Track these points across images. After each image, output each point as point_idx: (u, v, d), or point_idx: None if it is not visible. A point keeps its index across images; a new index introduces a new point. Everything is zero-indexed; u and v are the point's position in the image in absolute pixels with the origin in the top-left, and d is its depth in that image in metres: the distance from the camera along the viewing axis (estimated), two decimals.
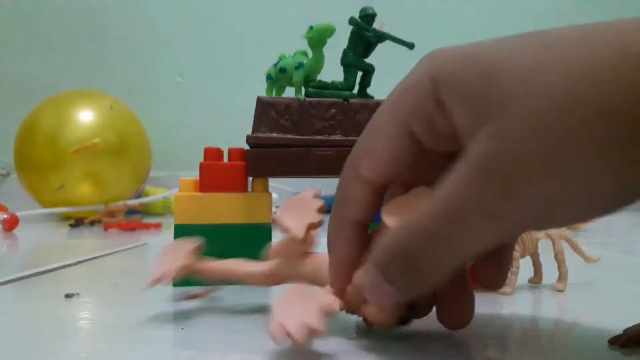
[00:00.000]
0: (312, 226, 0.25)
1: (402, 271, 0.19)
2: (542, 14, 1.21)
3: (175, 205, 0.36)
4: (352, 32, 0.38)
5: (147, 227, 0.76)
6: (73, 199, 0.87)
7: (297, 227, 0.24)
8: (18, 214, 0.74)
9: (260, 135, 0.37)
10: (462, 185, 0.17)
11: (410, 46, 0.38)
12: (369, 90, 0.39)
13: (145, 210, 0.98)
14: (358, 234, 0.22)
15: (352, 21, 0.38)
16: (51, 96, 0.94)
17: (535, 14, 1.22)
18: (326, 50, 0.38)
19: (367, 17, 0.37)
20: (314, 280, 0.25)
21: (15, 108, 1.01)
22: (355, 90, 0.39)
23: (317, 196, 0.26)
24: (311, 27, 0.37)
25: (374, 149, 0.21)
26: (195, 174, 0.37)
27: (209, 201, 0.36)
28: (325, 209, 0.25)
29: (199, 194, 0.36)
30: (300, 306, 0.21)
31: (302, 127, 0.37)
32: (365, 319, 0.24)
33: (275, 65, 0.39)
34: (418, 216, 0.18)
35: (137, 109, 1.01)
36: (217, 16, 1.22)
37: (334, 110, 0.37)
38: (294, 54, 0.38)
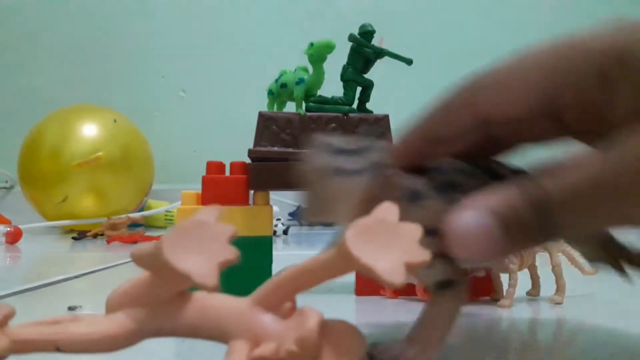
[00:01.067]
0: (225, 265, 0.17)
1: (532, 232, 0.16)
2: (541, 30, 1.23)
3: (178, 219, 0.37)
4: (352, 49, 0.39)
5: (150, 239, 0.76)
6: (76, 212, 0.88)
7: (203, 270, 0.16)
8: (21, 226, 0.75)
9: (262, 149, 0.37)
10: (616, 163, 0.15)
11: (409, 62, 0.39)
12: (368, 105, 0.40)
13: (147, 223, 0.98)
14: (425, 156, 0.20)
15: (351, 38, 0.38)
16: (55, 110, 0.95)
17: (535, 29, 1.23)
18: (326, 66, 0.39)
19: (366, 33, 0.38)
20: (207, 332, 0.17)
21: (20, 122, 1.02)
22: (355, 105, 0.39)
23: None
24: (311, 44, 0.38)
25: (504, 81, 0.18)
26: (197, 188, 0.38)
27: None
28: (237, 235, 0.18)
29: (201, 207, 0.37)
30: (386, 242, 0.16)
31: (303, 141, 0.37)
32: None
33: (276, 80, 0.40)
34: (582, 173, 0.16)
35: (141, 123, 1.02)
36: (220, 33, 1.24)
37: (334, 125, 0.38)
38: (295, 70, 0.39)
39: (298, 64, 0.40)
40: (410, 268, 0.16)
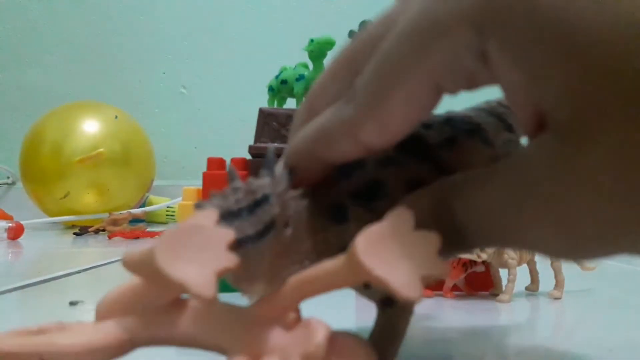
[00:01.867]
0: (223, 273, 0.15)
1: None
2: None
3: (179, 215, 0.37)
4: None
5: (151, 235, 0.77)
6: (77, 208, 0.88)
7: (199, 279, 0.14)
8: (23, 222, 0.75)
9: (262, 145, 0.37)
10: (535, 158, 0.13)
11: None
12: None
13: (148, 219, 0.98)
14: (328, 169, 0.17)
15: (351, 34, 0.38)
16: (57, 107, 0.95)
17: None
18: (326, 62, 0.39)
19: None
20: (203, 343, 0.16)
21: (21, 118, 1.03)
22: None
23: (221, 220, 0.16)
24: (312, 40, 0.38)
25: (384, 111, 0.15)
26: (198, 184, 0.38)
27: None
28: (240, 242, 0.15)
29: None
30: (401, 252, 0.15)
31: None
32: None
33: (276, 77, 0.40)
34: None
35: (141, 119, 1.02)
36: (221, 29, 1.24)
37: None
38: (295, 66, 0.39)
39: (298, 60, 0.40)
40: (428, 281, 0.14)
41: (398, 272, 0.14)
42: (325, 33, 0.38)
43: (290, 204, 0.16)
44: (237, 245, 0.15)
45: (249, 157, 0.38)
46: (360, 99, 0.15)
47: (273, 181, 0.16)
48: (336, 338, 0.16)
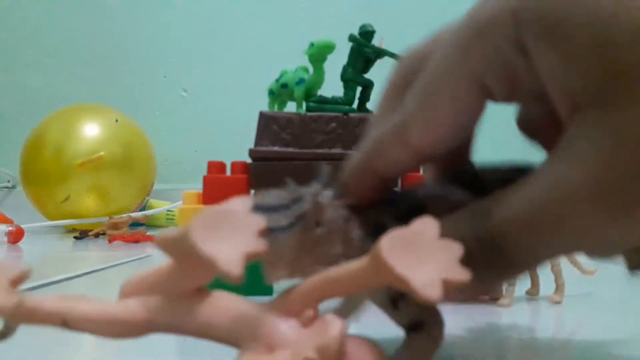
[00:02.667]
0: (252, 256, 0.16)
1: (484, 266, 0.15)
2: None
3: (179, 218, 0.37)
4: (352, 49, 0.39)
5: (151, 239, 0.77)
6: (78, 212, 0.88)
7: (229, 258, 0.15)
8: (23, 226, 0.75)
9: (263, 148, 0.37)
10: (579, 165, 0.13)
11: None
12: (368, 105, 0.40)
13: (149, 223, 0.98)
14: (380, 187, 0.18)
15: (351, 38, 0.38)
16: (57, 110, 0.95)
17: None
18: (326, 66, 0.39)
19: (367, 34, 0.38)
20: (221, 335, 0.16)
21: (22, 121, 1.03)
22: (355, 105, 0.40)
23: (256, 208, 0.17)
24: (312, 44, 0.38)
25: (432, 111, 0.16)
26: (198, 187, 0.38)
27: None
28: (271, 230, 0.16)
29: (202, 206, 0.37)
30: (424, 256, 0.15)
31: (303, 140, 0.38)
32: None
33: (277, 80, 0.40)
34: (516, 203, 0.14)
35: (142, 122, 1.02)
36: (221, 32, 1.24)
37: (334, 124, 0.38)
38: (295, 70, 0.39)
39: (299, 64, 0.40)
40: (448, 286, 0.14)
41: (419, 273, 0.14)
42: (326, 36, 0.38)
43: (328, 209, 0.17)
44: (268, 232, 0.16)
45: (249, 160, 0.38)
46: (409, 105, 0.16)
47: (314, 186, 0.17)
48: (348, 340, 0.16)
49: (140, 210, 0.97)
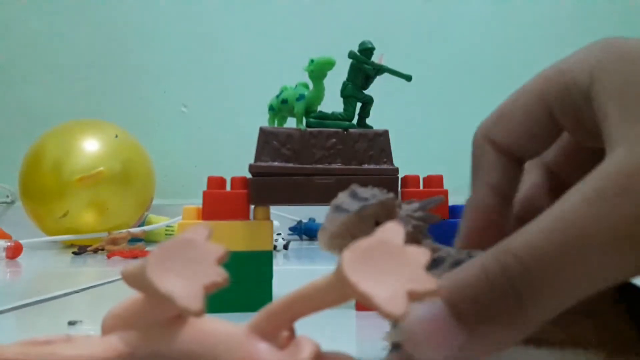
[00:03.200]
0: (211, 288, 0.15)
1: (493, 313, 0.14)
2: (542, 48, 1.24)
3: (178, 234, 0.37)
4: (352, 65, 0.39)
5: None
6: (76, 227, 0.88)
7: (186, 293, 0.15)
8: (22, 241, 0.75)
9: (263, 164, 0.37)
10: (592, 204, 0.14)
11: (408, 78, 0.40)
12: (368, 121, 0.40)
13: (147, 238, 0.98)
14: (495, 203, 0.20)
15: (351, 55, 0.39)
16: (57, 125, 0.96)
17: (536, 46, 1.24)
18: (326, 82, 0.39)
19: (366, 50, 0.39)
20: (199, 358, 0.17)
21: (21, 136, 1.03)
22: (355, 121, 0.40)
23: (211, 236, 0.17)
24: (312, 60, 0.38)
25: (508, 112, 0.19)
26: (198, 202, 0.38)
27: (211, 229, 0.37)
28: (228, 257, 0.17)
29: (202, 222, 0.37)
30: (389, 267, 0.15)
31: (303, 156, 0.38)
32: None
33: (277, 96, 0.40)
34: (528, 240, 0.14)
35: (142, 138, 1.03)
36: (222, 49, 1.25)
37: (334, 140, 0.38)
38: (295, 86, 0.40)
39: (299, 80, 0.40)
40: (414, 297, 0.14)
41: (383, 287, 0.14)
42: (326, 53, 0.38)
43: (383, 216, 0.19)
44: (337, 209, 0.19)
45: (249, 176, 0.39)
46: (495, 110, 0.20)
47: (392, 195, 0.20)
48: (326, 357, 0.16)
49: (140, 226, 0.96)
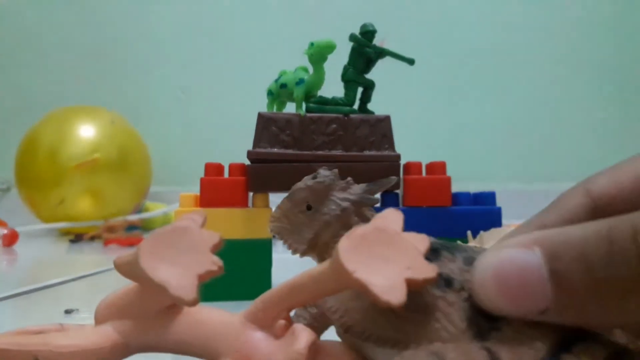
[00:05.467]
0: (205, 277, 0.15)
1: (604, 280, 0.12)
2: (543, 30, 1.23)
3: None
4: (353, 49, 0.38)
5: None
6: (73, 215, 0.87)
7: (181, 283, 0.15)
8: (18, 229, 0.74)
9: (261, 150, 0.37)
10: None
11: (411, 62, 0.39)
12: (370, 106, 0.40)
13: (145, 226, 0.97)
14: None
15: (352, 38, 0.38)
16: (52, 111, 0.94)
17: (538, 29, 1.23)
18: (327, 66, 0.38)
19: (368, 33, 0.38)
20: (196, 350, 0.16)
21: (16, 123, 1.02)
22: (356, 106, 0.39)
23: (205, 223, 0.17)
24: (312, 44, 0.37)
25: (620, 167, 0.17)
26: (195, 190, 0.37)
27: (209, 217, 0.36)
28: (223, 244, 0.16)
29: (199, 209, 0.36)
30: (386, 255, 0.14)
31: (303, 142, 0.37)
32: None
33: (276, 81, 0.39)
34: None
35: (138, 124, 1.02)
36: (219, 33, 1.23)
37: (334, 126, 0.37)
38: (295, 70, 0.39)
39: (298, 64, 0.39)
40: (413, 285, 0.13)
41: (380, 276, 0.13)
42: (326, 36, 0.38)
43: (355, 220, 0.19)
44: (309, 208, 0.19)
45: (247, 162, 0.38)
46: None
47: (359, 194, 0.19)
48: (323, 345, 0.16)
49: (137, 213, 0.96)
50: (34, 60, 1.22)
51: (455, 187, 0.38)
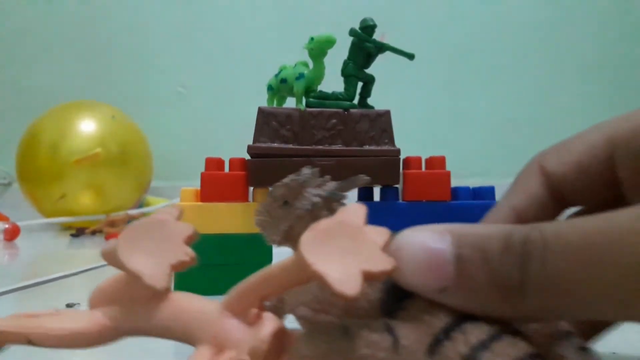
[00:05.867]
0: (179, 267, 0.17)
1: (492, 275, 0.14)
2: (543, 25, 1.22)
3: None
4: (353, 43, 0.38)
5: None
6: (74, 209, 0.87)
7: (154, 272, 0.16)
8: (19, 223, 0.74)
9: (262, 145, 0.37)
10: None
11: (410, 57, 0.39)
12: (370, 101, 0.40)
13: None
14: (509, 220, 0.20)
15: (352, 32, 0.38)
16: (53, 107, 0.94)
17: (538, 24, 1.23)
18: (327, 60, 0.38)
19: (368, 28, 0.38)
20: (177, 335, 0.18)
21: (18, 118, 1.02)
22: (356, 101, 0.39)
23: (181, 217, 0.18)
24: (312, 38, 0.37)
25: (570, 144, 0.20)
26: (196, 184, 0.38)
27: (210, 211, 0.36)
28: (198, 237, 0.18)
29: (200, 204, 0.37)
30: (346, 247, 0.15)
31: (303, 137, 0.37)
32: None
33: (276, 75, 0.39)
34: (560, 229, 0.14)
35: (139, 119, 1.02)
36: (219, 28, 1.23)
37: (334, 121, 0.37)
38: (295, 65, 0.39)
39: (298, 58, 0.39)
40: (369, 277, 0.14)
41: (339, 267, 0.14)
42: (326, 31, 0.38)
43: (325, 214, 0.19)
44: (286, 203, 0.20)
45: (247, 157, 0.38)
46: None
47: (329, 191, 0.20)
48: (290, 333, 0.17)
49: (138, 208, 0.96)
50: (34, 55, 1.22)
51: (455, 182, 0.38)
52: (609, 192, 0.19)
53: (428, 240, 0.14)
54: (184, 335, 0.17)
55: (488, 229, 0.14)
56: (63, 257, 0.59)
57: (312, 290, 0.17)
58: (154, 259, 0.16)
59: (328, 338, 0.15)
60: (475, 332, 0.14)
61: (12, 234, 0.72)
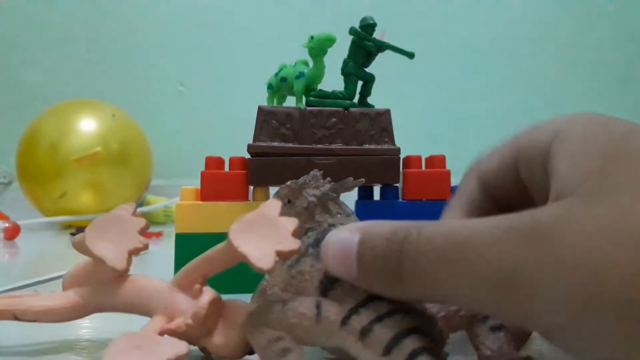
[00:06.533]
0: (134, 252, 0.21)
1: (377, 268, 0.17)
2: (542, 25, 1.22)
3: (176, 214, 0.36)
4: (353, 42, 0.38)
5: (148, 236, 0.76)
6: (74, 208, 0.87)
7: (114, 256, 0.21)
8: (19, 222, 0.74)
9: (262, 144, 0.37)
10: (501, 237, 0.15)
11: (411, 55, 0.39)
12: (370, 100, 0.40)
13: (146, 219, 0.98)
14: (459, 217, 0.22)
15: (352, 31, 0.38)
16: (53, 105, 0.94)
17: (536, 23, 1.22)
18: (327, 59, 0.38)
19: (368, 26, 0.38)
20: (137, 308, 0.22)
21: (18, 117, 1.02)
22: (356, 99, 0.39)
23: (135, 212, 0.23)
24: (312, 37, 0.37)
25: (494, 153, 0.22)
26: (196, 183, 0.38)
27: (210, 210, 0.36)
28: (149, 228, 0.23)
29: (200, 202, 0.36)
30: (264, 234, 0.19)
31: (303, 136, 0.37)
32: (204, 350, 0.22)
33: (276, 74, 0.39)
34: (435, 230, 0.16)
35: (139, 118, 1.01)
36: (219, 25, 1.23)
37: (334, 119, 0.37)
38: (295, 64, 0.39)
39: (298, 57, 0.39)
40: (282, 256, 0.19)
41: (257, 249, 0.18)
42: (326, 29, 0.37)
43: (319, 211, 0.23)
44: (289, 202, 0.24)
45: (248, 156, 0.38)
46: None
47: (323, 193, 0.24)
48: (226, 304, 0.21)
49: (138, 207, 0.96)
50: (34, 53, 1.22)
51: (455, 181, 0.38)
52: (522, 194, 0.21)
53: (343, 238, 0.17)
54: (142, 308, 0.21)
55: (383, 227, 0.17)
56: (63, 256, 0.59)
57: (282, 275, 0.21)
58: (115, 246, 0.21)
59: (270, 309, 0.18)
60: (376, 309, 0.17)
61: (12, 232, 0.72)
